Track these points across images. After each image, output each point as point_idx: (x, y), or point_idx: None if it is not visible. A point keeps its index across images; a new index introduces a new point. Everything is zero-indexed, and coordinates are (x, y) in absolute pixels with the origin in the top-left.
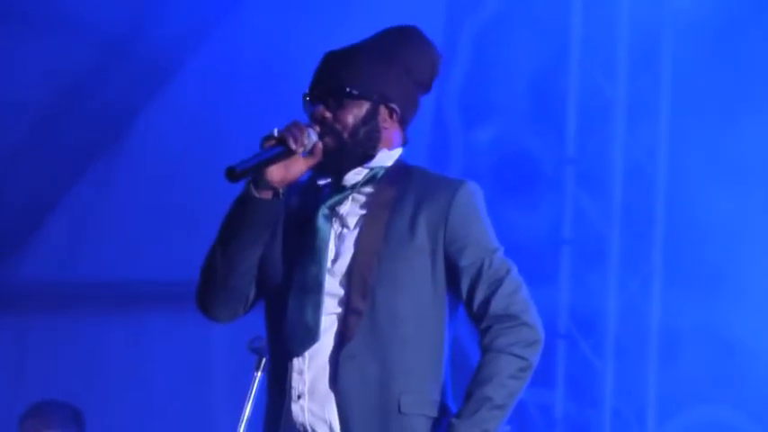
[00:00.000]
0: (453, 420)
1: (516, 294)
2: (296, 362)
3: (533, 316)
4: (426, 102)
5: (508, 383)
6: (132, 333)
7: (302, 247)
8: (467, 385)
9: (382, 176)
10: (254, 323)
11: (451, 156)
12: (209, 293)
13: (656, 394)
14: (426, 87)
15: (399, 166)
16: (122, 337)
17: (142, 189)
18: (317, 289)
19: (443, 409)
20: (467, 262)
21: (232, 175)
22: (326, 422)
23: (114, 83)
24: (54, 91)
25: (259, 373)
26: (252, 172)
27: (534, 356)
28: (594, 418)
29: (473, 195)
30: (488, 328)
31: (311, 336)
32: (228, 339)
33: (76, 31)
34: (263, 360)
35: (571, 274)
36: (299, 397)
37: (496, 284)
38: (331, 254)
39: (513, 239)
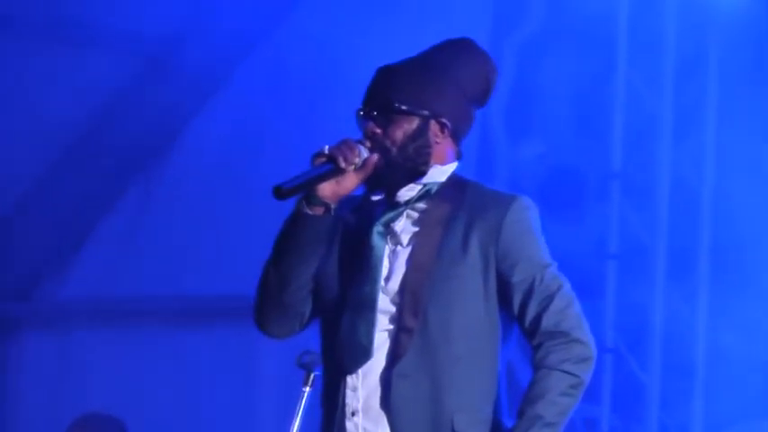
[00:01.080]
0: None
1: (568, 310)
2: (350, 379)
3: (585, 332)
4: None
5: (559, 401)
6: (176, 349)
7: (357, 265)
8: (519, 404)
9: (436, 192)
10: (303, 338)
11: (497, 171)
12: (265, 310)
13: (702, 410)
14: (480, 102)
15: (454, 181)
16: (166, 354)
17: (183, 206)
18: (370, 306)
19: (497, 427)
20: (519, 278)
21: (279, 193)
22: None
23: (156, 98)
24: (95, 106)
25: (308, 389)
26: (300, 190)
27: (586, 373)
28: None
29: (526, 210)
30: (540, 344)
31: (365, 353)
32: (277, 354)
33: (119, 46)
34: (312, 375)
35: (617, 288)
36: (353, 414)
37: (548, 300)
38: (385, 271)
39: (558, 254)
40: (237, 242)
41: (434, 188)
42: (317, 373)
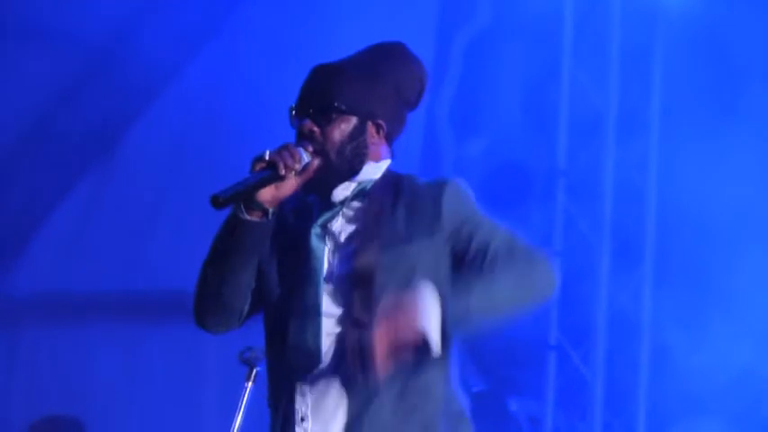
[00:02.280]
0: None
1: (517, 238)
2: (298, 384)
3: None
4: (417, 113)
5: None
6: (123, 344)
7: (298, 268)
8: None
9: (371, 189)
10: (245, 334)
11: (443, 168)
12: (204, 308)
13: (646, 407)
14: (413, 105)
15: (388, 177)
16: (114, 348)
17: (133, 201)
18: (315, 311)
19: (451, 399)
20: (467, 244)
21: (216, 203)
22: None
23: (103, 94)
24: (44, 101)
25: (250, 384)
26: (238, 199)
27: (544, 259)
28: (584, 430)
29: (459, 187)
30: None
31: (315, 360)
32: (220, 350)
33: (65, 42)
34: (255, 371)
35: (561, 285)
36: (302, 420)
37: (499, 233)
38: (326, 271)
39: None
40: (185, 238)
41: (368, 186)
42: (258, 369)
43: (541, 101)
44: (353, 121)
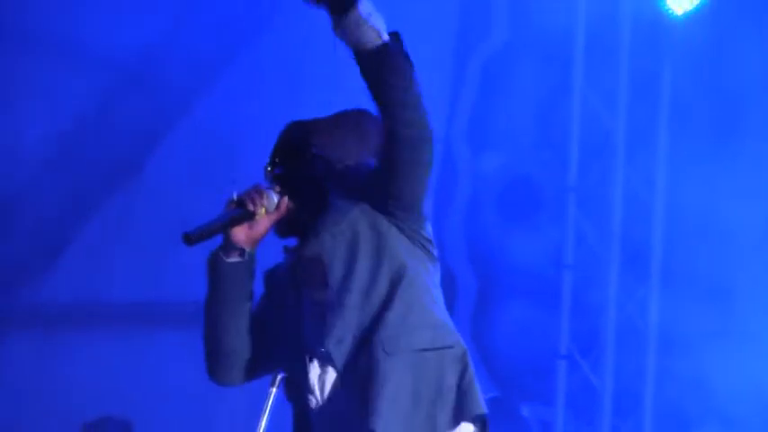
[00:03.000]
0: None
1: None
2: (312, 401)
3: None
4: (436, 129)
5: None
6: (147, 349)
7: (289, 307)
8: None
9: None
10: None
11: (459, 182)
12: (212, 361)
13: (653, 414)
14: (373, 153)
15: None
16: (137, 354)
17: (157, 215)
18: (298, 339)
19: (441, 335)
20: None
21: (188, 240)
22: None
23: (132, 111)
24: (74, 120)
25: (274, 389)
26: (208, 236)
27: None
28: None
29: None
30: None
31: (307, 388)
32: None
33: (93, 59)
34: (279, 377)
35: (572, 296)
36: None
37: None
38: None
39: (516, 263)
40: (205, 252)
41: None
42: (282, 374)
43: (554, 119)
44: (322, 164)
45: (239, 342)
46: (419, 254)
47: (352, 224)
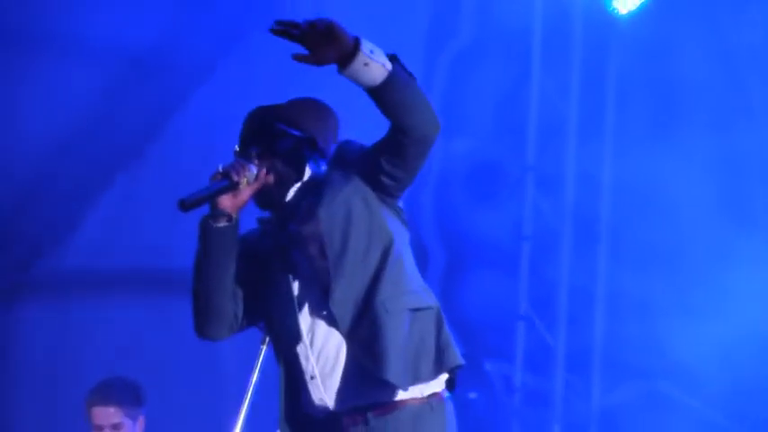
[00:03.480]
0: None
1: None
2: (299, 349)
3: None
4: None
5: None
6: (156, 314)
7: (270, 266)
8: None
9: (310, 188)
10: None
11: (430, 165)
12: (201, 319)
13: (600, 369)
14: (334, 133)
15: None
16: (147, 317)
17: (164, 191)
18: (288, 294)
19: (423, 297)
20: (371, 155)
21: (183, 206)
22: (343, 391)
23: (139, 98)
24: (87, 106)
25: (264, 347)
26: (201, 203)
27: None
28: (548, 387)
29: (348, 141)
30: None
31: (297, 337)
32: None
33: (102, 51)
34: (267, 336)
35: (530, 265)
36: (311, 378)
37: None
38: (292, 260)
39: (481, 237)
40: None
41: (310, 184)
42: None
43: (514, 107)
44: (292, 138)
45: (226, 299)
46: (399, 223)
47: (347, 200)
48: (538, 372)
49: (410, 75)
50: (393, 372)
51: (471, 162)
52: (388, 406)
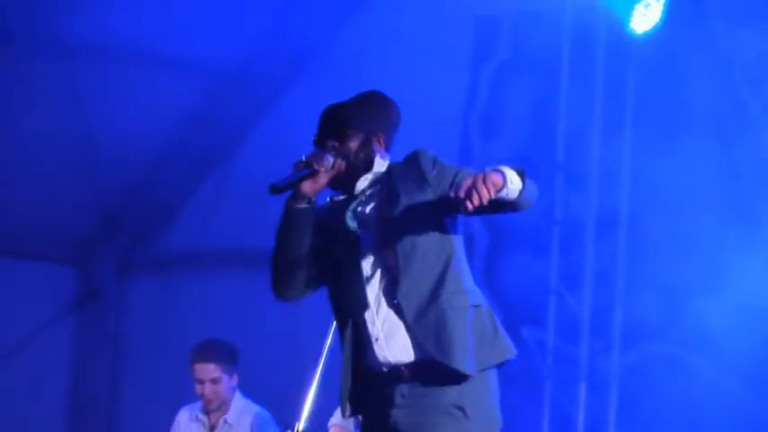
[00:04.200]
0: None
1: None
2: (367, 315)
3: None
4: (455, 122)
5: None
6: (246, 289)
7: (340, 244)
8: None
9: (379, 179)
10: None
11: (473, 163)
12: (279, 282)
13: (620, 334)
14: (396, 127)
15: (386, 169)
16: (238, 292)
17: (247, 191)
18: (357, 270)
19: (478, 296)
20: (447, 182)
21: (275, 189)
22: (403, 349)
23: (226, 110)
24: (186, 111)
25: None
26: (289, 187)
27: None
28: (575, 350)
29: (427, 151)
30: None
31: (365, 305)
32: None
33: (195, 68)
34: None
35: (560, 247)
36: (376, 340)
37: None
38: (362, 240)
39: (518, 222)
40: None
41: (378, 177)
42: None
43: (546, 113)
44: (361, 135)
45: (302, 268)
46: (457, 229)
47: (418, 209)
48: (567, 337)
49: (531, 181)
50: (460, 361)
51: (509, 160)
52: (439, 363)
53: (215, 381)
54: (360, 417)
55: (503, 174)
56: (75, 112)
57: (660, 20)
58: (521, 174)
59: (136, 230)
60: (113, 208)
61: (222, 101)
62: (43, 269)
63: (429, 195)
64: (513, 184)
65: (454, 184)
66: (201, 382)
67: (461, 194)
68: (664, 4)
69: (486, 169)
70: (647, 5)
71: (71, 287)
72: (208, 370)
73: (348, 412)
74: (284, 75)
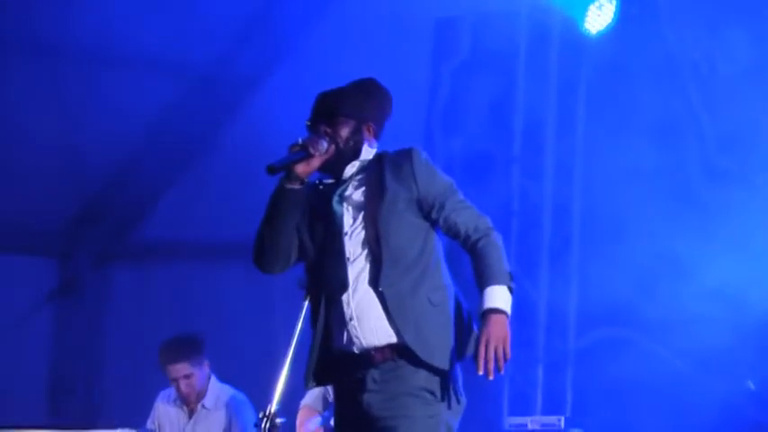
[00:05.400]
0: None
1: (474, 214)
2: (344, 296)
3: (487, 220)
4: (418, 119)
5: (503, 260)
6: (220, 278)
7: (325, 225)
8: (480, 271)
9: (367, 166)
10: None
11: (435, 157)
12: (262, 254)
13: (575, 319)
14: (387, 115)
15: (375, 156)
16: (212, 281)
17: (222, 184)
18: (340, 252)
19: (452, 290)
20: (437, 200)
21: (271, 170)
22: (375, 332)
23: (200, 108)
24: (161, 112)
25: (306, 302)
26: (284, 168)
27: (500, 239)
28: (532, 333)
29: (420, 153)
30: (468, 238)
31: (344, 285)
32: (286, 278)
33: (173, 64)
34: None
35: (518, 235)
36: (350, 320)
37: (461, 213)
38: (347, 224)
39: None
40: (258, 209)
41: (366, 164)
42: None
43: (503, 109)
44: (353, 123)
45: (287, 244)
46: (436, 233)
47: (403, 209)
48: (524, 321)
49: (510, 274)
50: (437, 358)
51: (468, 154)
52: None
53: (188, 377)
54: (331, 399)
55: (507, 317)
56: (55, 107)
57: (613, 20)
58: (510, 286)
59: (114, 223)
60: (92, 201)
61: (198, 96)
62: (22, 261)
63: (414, 197)
64: (509, 304)
65: (476, 360)
66: (175, 380)
67: (482, 372)
68: (616, 5)
69: (491, 322)
70: (599, 6)
71: (50, 279)
72: (179, 369)
73: (311, 384)
74: (258, 71)
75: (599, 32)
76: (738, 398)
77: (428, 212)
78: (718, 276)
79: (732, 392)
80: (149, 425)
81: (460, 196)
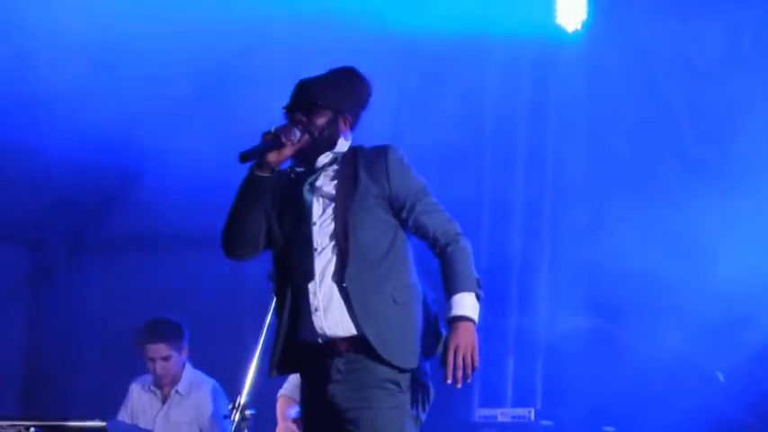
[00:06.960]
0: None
1: (444, 218)
2: (310, 286)
3: (456, 225)
4: (389, 112)
5: (472, 267)
6: (189, 267)
7: (294, 213)
8: (447, 279)
9: (341, 158)
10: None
11: (412, 151)
12: (231, 241)
13: (546, 311)
14: (364, 106)
15: (350, 149)
16: (182, 270)
17: (195, 174)
18: (308, 241)
19: (420, 293)
20: (409, 200)
21: (244, 157)
22: (340, 323)
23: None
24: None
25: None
26: (256, 156)
27: (466, 241)
28: (504, 325)
29: (397, 152)
30: (436, 242)
31: (310, 274)
32: (256, 269)
33: (142, 58)
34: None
35: (490, 225)
36: (315, 310)
37: (431, 215)
38: (316, 214)
39: (451, 204)
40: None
41: (339, 156)
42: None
43: (474, 104)
44: (329, 114)
45: (256, 231)
46: (406, 232)
47: (374, 203)
48: (496, 313)
49: (478, 282)
50: (397, 357)
51: (439, 149)
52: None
53: (166, 359)
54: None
55: (475, 325)
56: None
57: (587, 16)
58: (478, 293)
59: (88, 211)
60: (65, 189)
61: (167, 90)
62: None
63: (386, 194)
64: (476, 312)
65: (444, 368)
66: (153, 360)
67: (451, 380)
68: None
69: (459, 330)
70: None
71: (24, 267)
72: (158, 349)
73: (274, 373)
74: (226, 65)
75: (575, 32)
76: (708, 389)
77: (398, 211)
78: (690, 269)
79: (703, 384)
80: (122, 413)
81: (432, 199)
